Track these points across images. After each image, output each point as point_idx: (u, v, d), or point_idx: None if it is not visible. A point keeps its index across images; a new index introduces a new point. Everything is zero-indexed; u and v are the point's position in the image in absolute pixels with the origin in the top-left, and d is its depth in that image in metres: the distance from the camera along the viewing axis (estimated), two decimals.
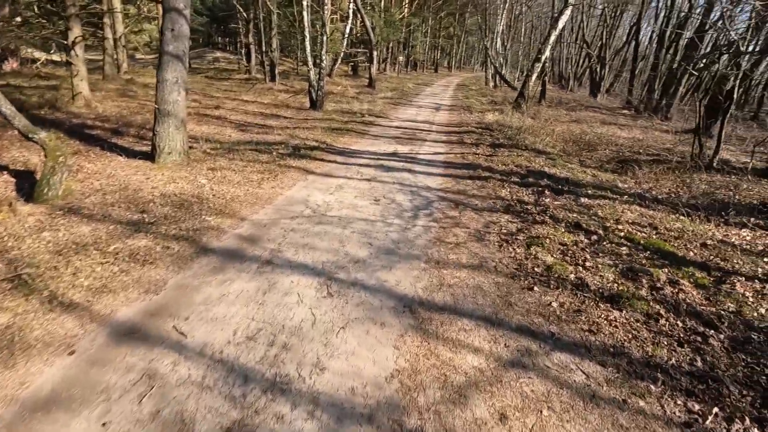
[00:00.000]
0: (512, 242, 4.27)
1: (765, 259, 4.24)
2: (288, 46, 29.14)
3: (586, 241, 4.41)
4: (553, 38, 14.69)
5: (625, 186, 6.82)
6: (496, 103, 18.54)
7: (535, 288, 3.43)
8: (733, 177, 7.39)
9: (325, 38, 13.06)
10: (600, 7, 25.47)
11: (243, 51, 23.88)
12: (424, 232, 4.44)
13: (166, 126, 6.36)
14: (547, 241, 4.29)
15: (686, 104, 19.89)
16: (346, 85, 21.81)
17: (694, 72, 13.84)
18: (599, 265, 3.88)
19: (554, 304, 3.22)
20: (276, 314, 2.91)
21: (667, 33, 17.43)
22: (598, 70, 23.54)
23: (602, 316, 3.11)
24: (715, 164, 8.10)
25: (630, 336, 2.90)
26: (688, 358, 2.73)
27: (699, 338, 2.92)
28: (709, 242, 4.55)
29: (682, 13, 17.45)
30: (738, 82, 12.55)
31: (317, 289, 3.25)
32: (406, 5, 35.06)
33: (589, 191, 6.14)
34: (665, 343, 2.85)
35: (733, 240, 4.78)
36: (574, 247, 4.24)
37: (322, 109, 13.14)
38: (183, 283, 3.25)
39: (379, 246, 4.05)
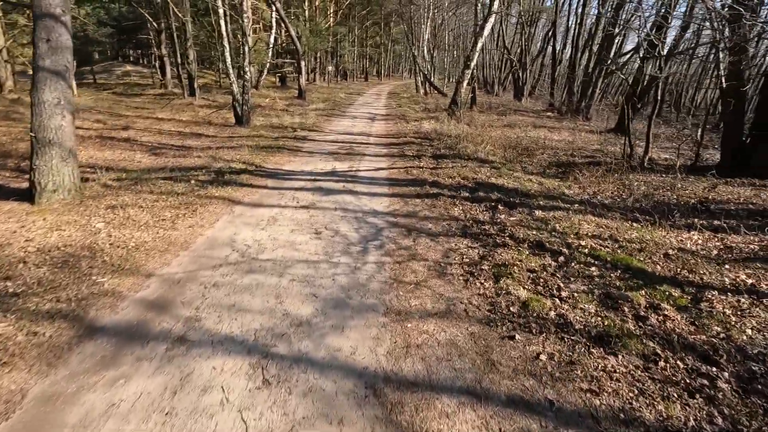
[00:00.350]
0: (478, 274, 3.74)
1: (726, 267, 4.10)
2: (209, 57, 27.24)
3: (553, 263, 4.00)
4: (479, 45, 14.83)
5: (572, 192, 6.68)
6: (430, 111, 18.47)
7: (517, 336, 2.88)
8: (666, 176, 7.58)
9: (246, 48, 12.03)
10: (515, 16, 26.74)
11: (157, 64, 21.79)
12: (377, 270, 3.77)
13: (48, 158, 5.12)
14: (515, 269, 3.81)
15: (602, 105, 21.28)
16: (274, 97, 20.68)
17: (619, 73, 14.59)
18: (576, 294, 3.45)
19: (543, 357, 2.69)
20: (190, 430, 2.06)
21: (580, 39, 18.43)
22: (520, 74, 24.53)
23: (599, 366, 2.62)
24: (645, 163, 8.32)
25: (636, 392, 2.43)
26: (704, 413, 2.30)
27: (706, 382, 2.53)
28: (670, 252, 4.36)
29: (591, 21, 18.58)
30: (646, 83, 13.46)
31: (249, 377, 2.44)
32: (332, 15, 34.52)
33: (541, 202, 5.85)
34: (675, 395, 2.41)
35: (689, 246, 4.65)
36: (544, 273, 3.80)
37: (250, 125, 12.06)
38: (51, 391, 2.28)
39: (326, 297, 3.30)
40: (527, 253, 4.19)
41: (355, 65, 44.80)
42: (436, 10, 30.84)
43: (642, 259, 4.18)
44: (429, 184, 6.57)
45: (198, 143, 9.65)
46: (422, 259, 4.03)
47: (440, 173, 7.22)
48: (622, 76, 14.19)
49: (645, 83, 12.96)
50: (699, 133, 9.14)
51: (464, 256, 4.11)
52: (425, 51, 28.45)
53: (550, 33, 25.90)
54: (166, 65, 19.20)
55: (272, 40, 22.28)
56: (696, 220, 5.49)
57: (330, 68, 32.49)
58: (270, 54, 22.41)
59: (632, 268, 3.96)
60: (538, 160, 9.10)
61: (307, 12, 27.74)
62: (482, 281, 3.62)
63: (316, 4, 30.31)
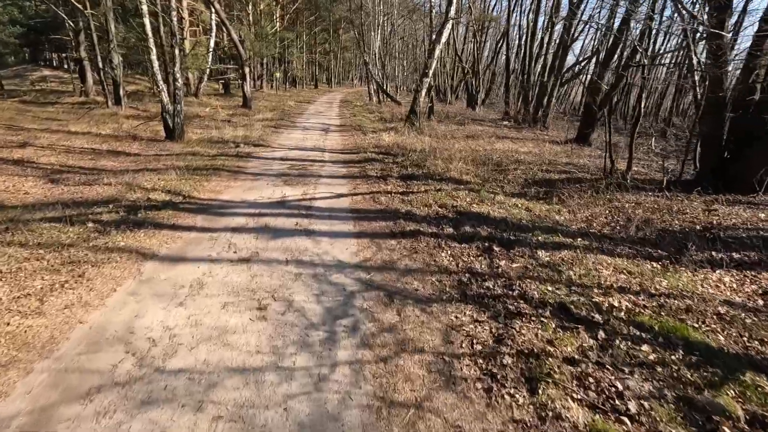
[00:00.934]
0: (502, 378, 2.53)
1: None
2: (141, 62, 24.48)
3: (593, 343, 2.89)
4: (437, 52, 13.93)
5: (564, 219, 5.72)
6: (387, 121, 17.38)
7: None
8: (655, 195, 6.89)
9: (177, 52, 10.26)
10: (464, 24, 26.47)
11: (77, 68, 19.04)
12: (352, 381, 2.46)
13: None
14: (550, 361, 2.65)
15: (553, 114, 21.24)
16: (216, 105, 18.69)
17: (589, 81, 14.21)
18: (647, 406, 2.34)
19: None
20: None
21: (533, 47, 18.17)
22: (473, 83, 24.16)
23: None
24: (629, 180, 7.63)
25: None
26: None
27: None
28: (721, 311, 3.41)
29: (543, 30, 18.39)
30: (605, 92, 13.18)
31: None
32: (278, 19, 32.70)
33: (540, 238, 4.81)
34: None
35: (730, 295, 3.76)
36: (589, 363, 2.67)
37: (183, 140, 10.28)
38: None
39: None
40: (554, 325, 3.06)
41: (304, 72, 43.07)
42: (386, 17, 30.02)
43: (696, 325, 3.18)
44: (403, 217, 5.35)
45: (114, 164, 7.83)
46: (416, 350, 2.76)
47: (413, 200, 6.02)
48: (582, 83, 13.88)
49: (605, 92, 12.64)
50: (685, 146, 8.64)
51: (474, 340, 2.89)
52: (377, 59, 27.46)
53: (501, 42, 25.83)
54: (86, 70, 16.68)
55: (212, 44, 20.26)
56: (714, 253, 4.68)
57: (278, 75, 30.65)
58: (210, 59, 20.37)
59: (692, 343, 2.94)
60: (513, 177, 8.17)
61: (251, 16, 25.86)
62: (512, 392, 2.42)
63: (261, 7, 28.46)
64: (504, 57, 21.47)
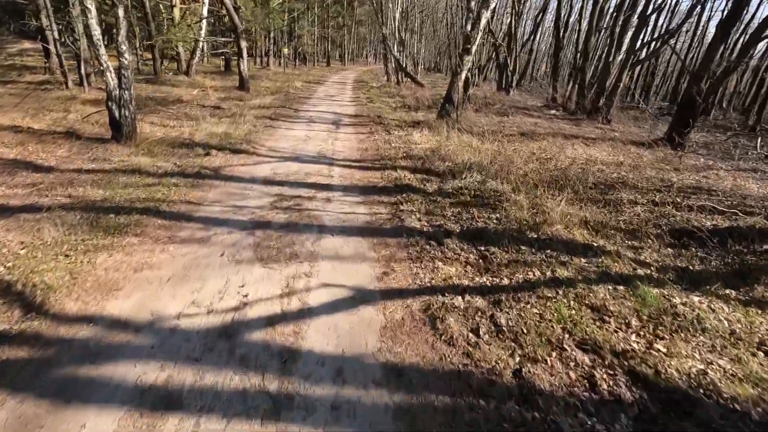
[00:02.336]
0: None
1: None
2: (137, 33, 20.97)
3: None
4: (483, 21, 10.31)
5: None
6: (411, 108, 13.87)
7: None
8: None
9: (121, 13, 6.87)
10: None
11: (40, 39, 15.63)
12: None
13: None
14: None
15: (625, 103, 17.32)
16: (208, 87, 15.31)
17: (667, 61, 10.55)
18: None
19: None
20: None
21: (594, 19, 14.30)
22: (508, 62, 20.29)
23: None
24: None
25: None
26: None
27: None
28: None
29: None
30: (716, 77, 9.48)
31: None
32: None
33: None
34: None
35: None
36: None
37: (134, 140, 7.03)
38: None
39: None
40: None
41: (315, 48, 39.04)
42: None
43: None
44: (516, 401, 2.12)
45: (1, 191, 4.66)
46: None
47: (514, 325, 2.70)
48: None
49: (717, 77, 8.98)
50: None
51: None
52: (396, 32, 23.55)
53: (539, 15, 21.69)
54: (49, 41, 13.34)
55: (205, 11, 16.69)
56: None
57: (286, 51, 26.94)
58: (203, 30, 16.85)
59: None
60: (634, 220, 4.81)
61: None
62: None
63: None
64: (550, 31, 17.52)
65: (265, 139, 8.00)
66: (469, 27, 10.59)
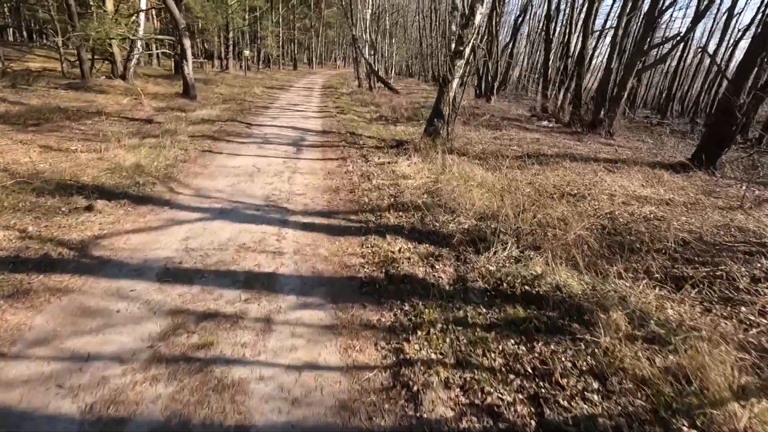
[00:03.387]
0: None
1: None
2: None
3: None
4: (478, 18, 8.29)
5: None
6: (389, 121, 11.67)
7: None
8: None
9: None
10: None
11: None
12: None
13: None
14: None
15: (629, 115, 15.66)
16: (148, 93, 12.56)
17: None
18: None
19: None
20: None
21: (590, 19, 12.63)
22: (489, 67, 18.51)
23: None
24: None
25: None
26: None
27: None
28: None
29: None
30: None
31: None
32: None
33: None
34: None
35: None
36: None
37: None
38: None
39: None
40: None
41: (280, 51, 36.18)
42: None
43: None
44: None
45: None
46: None
47: None
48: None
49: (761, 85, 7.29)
50: None
51: None
52: (367, 34, 21.33)
53: (520, 17, 20.06)
54: None
55: (143, 4, 13.84)
56: None
57: (247, 53, 24.12)
58: (141, 26, 13.97)
59: None
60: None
61: None
62: None
63: None
64: (529, 34, 15.80)
65: (193, 174, 5.56)
66: (454, 26, 8.57)
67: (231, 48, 24.65)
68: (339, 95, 17.41)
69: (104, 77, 14.17)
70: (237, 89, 16.78)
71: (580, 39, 12.75)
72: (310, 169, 6.17)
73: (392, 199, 4.86)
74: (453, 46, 8.43)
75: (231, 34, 24.13)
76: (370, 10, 21.00)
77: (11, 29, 22.51)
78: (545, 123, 13.66)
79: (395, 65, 29.53)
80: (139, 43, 14.19)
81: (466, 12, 8.48)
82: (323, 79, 27.10)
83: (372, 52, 21.89)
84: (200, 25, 23.31)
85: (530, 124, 13.09)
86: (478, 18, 8.29)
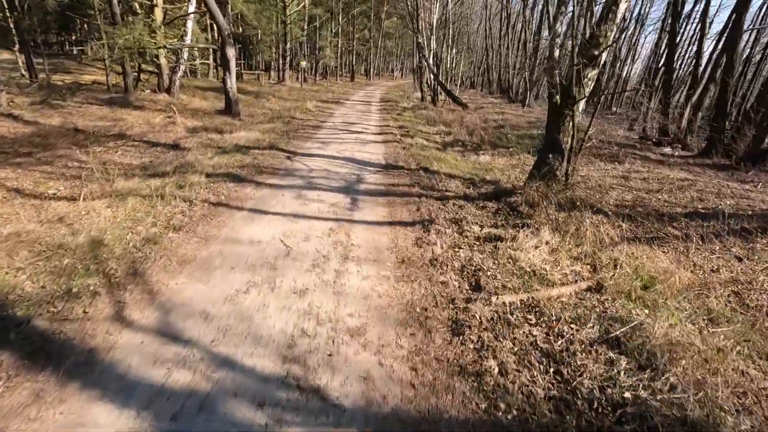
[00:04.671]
0: None
1: None
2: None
3: None
4: (624, 5, 5.47)
5: None
6: (466, 146, 8.98)
7: None
8: None
9: None
10: None
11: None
12: None
13: None
14: None
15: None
16: (190, 109, 10.94)
17: None
18: None
19: None
20: None
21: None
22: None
23: None
24: None
25: None
26: None
27: None
28: None
29: None
30: None
31: None
32: None
33: None
34: None
35: None
36: None
37: None
38: None
39: None
40: None
41: (338, 62, 34.72)
42: None
43: None
44: None
45: None
46: None
47: None
48: None
49: None
50: None
51: None
52: (433, 41, 18.80)
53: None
54: None
55: (192, 8, 12.32)
56: None
57: (304, 64, 22.58)
58: (189, 34, 12.49)
59: None
60: None
61: None
62: None
63: None
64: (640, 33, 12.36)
65: (179, 262, 3.20)
66: (559, 27, 5.81)
67: (288, 59, 23.22)
68: (400, 110, 14.98)
69: (148, 90, 12.86)
70: (289, 103, 14.93)
71: (725, 35, 9.22)
72: (372, 248, 3.65)
73: (526, 338, 2.22)
74: (574, 50, 5.60)
75: (288, 45, 22.69)
76: (436, 15, 18.48)
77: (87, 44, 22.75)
78: (668, 150, 10.23)
79: (461, 76, 26.69)
80: (186, 54, 12.72)
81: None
82: (381, 91, 24.93)
83: (437, 61, 19.32)
84: (258, 35, 22.11)
85: (650, 152, 9.78)
86: (623, 6, 5.48)
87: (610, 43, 5.63)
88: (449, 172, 6.51)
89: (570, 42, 5.94)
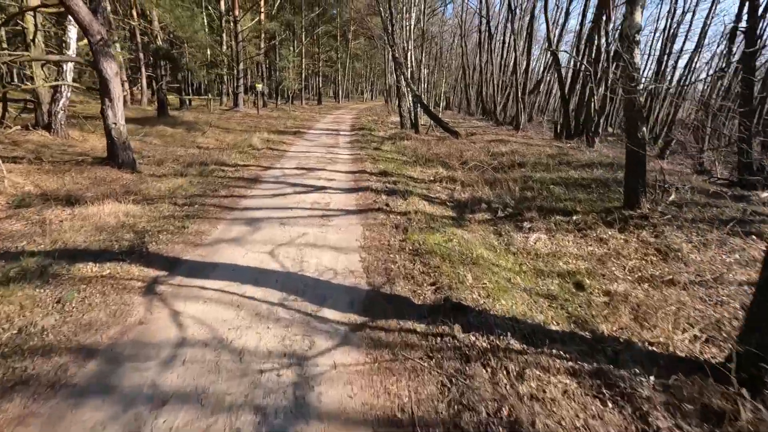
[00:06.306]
0: None
1: None
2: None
3: None
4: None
5: None
6: (492, 209, 5.45)
7: None
8: None
9: None
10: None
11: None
12: None
13: None
14: None
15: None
16: (69, 153, 6.93)
17: None
18: None
19: None
20: None
21: None
22: (594, 93, 12.26)
23: None
24: None
25: None
26: None
27: None
28: None
29: None
30: None
31: None
32: (260, 10, 20.76)
33: None
34: None
35: None
36: None
37: None
38: None
39: None
40: None
41: (303, 84, 31.12)
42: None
43: None
44: None
45: None
46: None
47: None
48: None
49: None
50: None
51: None
52: (411, 58, 15.51)
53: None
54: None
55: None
56: None
57: (260, 87, 18.80)
58: (73, 42, 8.50)
59: None
60: None
61: None
62: None
63: None
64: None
65: None
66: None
67: (241, 81, 19.36)
68: (378, 142, 11.39)
69: (17, 128, 8.72)
70: (232, 136, 11.09)
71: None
72: None
73: None
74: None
75: (242, 66, 18.88)
76: (413, 21, 15.28)
77: None
78: (765, 195, 7.08)
79: (442, 97, 23.52)
80: (69, 75, 8.67)
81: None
82: (352, 116, 21.40)
83: (416, 80, 16.03)
84: (187, 50, 18.20)
85: (742, 202, 6.55)
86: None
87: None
88: (506, 308, 2.86)
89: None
